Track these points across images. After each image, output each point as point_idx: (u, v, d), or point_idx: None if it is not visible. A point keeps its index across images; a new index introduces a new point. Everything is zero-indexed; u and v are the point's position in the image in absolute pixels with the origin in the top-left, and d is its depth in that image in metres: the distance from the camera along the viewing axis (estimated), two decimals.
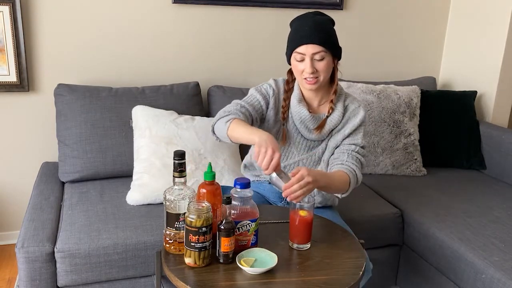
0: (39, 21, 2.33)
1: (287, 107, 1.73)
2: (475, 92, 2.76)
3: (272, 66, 2.68)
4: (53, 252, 1.70)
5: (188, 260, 1.33)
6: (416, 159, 2.54)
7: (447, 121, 2.66)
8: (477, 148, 2.66)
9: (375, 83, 2.67)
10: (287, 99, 1.73)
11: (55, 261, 1.70)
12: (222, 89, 2.52)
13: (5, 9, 2.22)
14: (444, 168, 2.64)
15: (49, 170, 2.32)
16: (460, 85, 2.98)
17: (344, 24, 2.81)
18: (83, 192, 2.09)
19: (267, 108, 1.73)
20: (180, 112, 2.29)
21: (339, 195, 1.70)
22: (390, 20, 2.93)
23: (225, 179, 2.10)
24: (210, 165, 1.39)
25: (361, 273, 1.35)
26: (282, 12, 2.66)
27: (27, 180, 2.46)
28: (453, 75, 3.04)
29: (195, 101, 2.43)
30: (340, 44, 1.67)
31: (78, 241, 1.73)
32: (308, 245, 1.46)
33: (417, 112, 2.60)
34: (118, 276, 1.78)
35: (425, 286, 2.08)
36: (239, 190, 1.38)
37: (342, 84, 2.58)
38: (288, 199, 1.41)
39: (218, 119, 1.63)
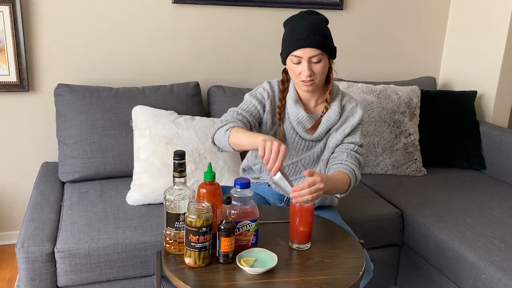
0: (39, 21, 2.33)
1: (283, 107, 1.72)
2: (475, 92, 2.76)
3: (272, 66, 2.67)
4: (53, 252, 1.70)
5: (188, 260, 1.33)
6: (416, 159, 2.54)
7: (447, 121, 2.66)
8: (477, 148, 2.66)
9: (375, 83, 2.67)
10: (283, 99, 1.72)
11: (55, 261, 1.70)
12: (222, 89, 2.52)
13: (5, 9, 2.22)
14: (444, 168, 2.64)
15: (49, 170, 2.32)
16: (460, 85, 2.98)
17: (344, 24, 2.81)
18: (83, 192, 2.09)
19: (264, 111, 1.72)
20: (180, 112, 2.29)
21: (338, 195, 1.69)
22: (390, 20, 2.93)
23: (225, 179, 2.10)
24: (210, 165, 1.39)
25: (361, 273, 1.35)
26: (282, 12, 2.66)
27: (27, 180, 2.46)
28: (453, 75, 3.04)
29: (195, 101, 2.43)
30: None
31: (78, 241, 1.73)
32: (308, 245, 1.46)
33: (417, 112, 2.60)
34: (118, 276, 1.78)
35: (425, 286, 2.08)
36: (239, 190, 1.38)
37: (342, 84, 2.58)
38: (293, 201, 1.41)
39: (217, 129, 1.62)
